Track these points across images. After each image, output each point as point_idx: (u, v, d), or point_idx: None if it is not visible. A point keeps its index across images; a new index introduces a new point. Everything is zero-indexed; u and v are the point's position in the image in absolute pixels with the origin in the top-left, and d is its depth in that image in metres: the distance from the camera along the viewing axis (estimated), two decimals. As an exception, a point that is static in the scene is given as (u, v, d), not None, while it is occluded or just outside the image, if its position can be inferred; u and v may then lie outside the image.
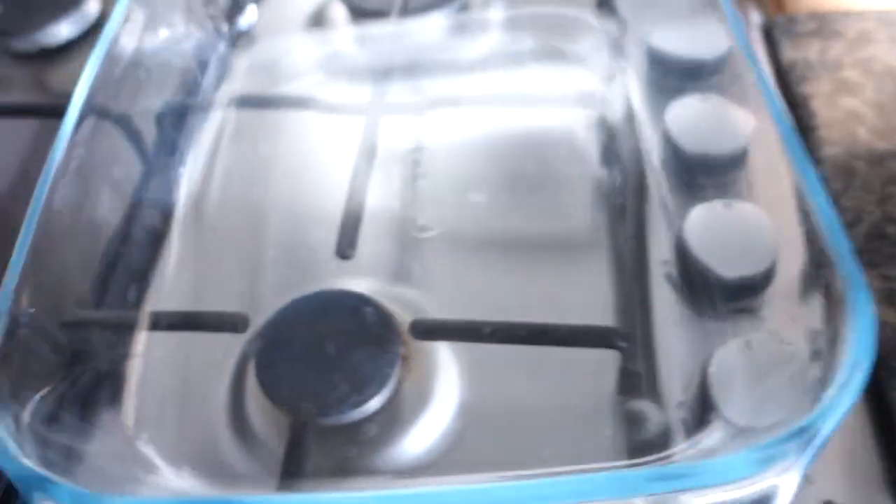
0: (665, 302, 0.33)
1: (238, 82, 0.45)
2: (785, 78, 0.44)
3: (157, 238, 0.36)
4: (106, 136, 0.34)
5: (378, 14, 0.47)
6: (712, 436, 0.25)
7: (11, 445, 0.21)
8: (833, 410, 0.20)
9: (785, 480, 0.21)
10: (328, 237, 0.36)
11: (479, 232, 0.36)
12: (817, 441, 0.21)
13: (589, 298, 0.34)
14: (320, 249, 0.36)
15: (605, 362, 0.30)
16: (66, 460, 0.24)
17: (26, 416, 0.23)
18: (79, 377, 0.28)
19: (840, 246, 0.24)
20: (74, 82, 0.33)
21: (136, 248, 0.34)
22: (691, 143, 0.36)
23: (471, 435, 0.29)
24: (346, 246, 0.35)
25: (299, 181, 0.39)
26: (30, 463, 0.21)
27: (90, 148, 0.32)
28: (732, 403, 0.26)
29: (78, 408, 0.27)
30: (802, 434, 0.20)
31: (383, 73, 0.44)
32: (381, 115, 0.41)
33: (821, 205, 0.26)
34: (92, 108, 0.33)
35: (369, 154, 0.39)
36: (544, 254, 0.36)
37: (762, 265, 0.30)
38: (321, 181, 0.39)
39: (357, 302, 0.32)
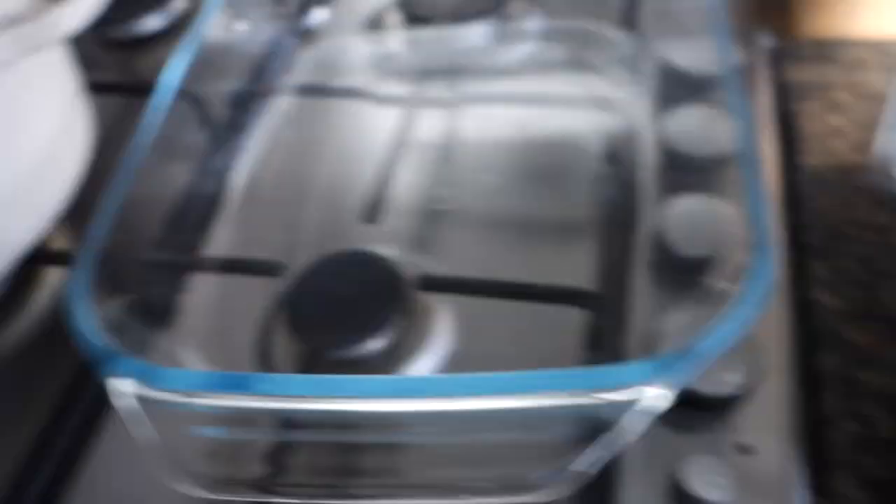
0: (638, 277, 0.38)
1: (301, 74, 0.52)
2: (783, 95, 0.49)
3: (217, 201, 0.43)
4: (185, 112, 0.41)
5: (429, 20, 0.54)
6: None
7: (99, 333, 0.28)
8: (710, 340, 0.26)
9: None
10: (359, 205, 0.43)
11: (489, 211, 0.42)
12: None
13: (574, 270, 0.39)
14: (351, 215, 0.42)
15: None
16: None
17: (108, 318, 0.30)
18: (145, 299, 0.35)
19: (762, 235, 0.29)
20: (158, 67, 0.40)
21: (200, 207, 0.42)
22: (682, 145, 0.41)
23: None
24: (372, 212, 0.42)
25: (343, 159, 0.46)
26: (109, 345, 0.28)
27: (172, 122, 0.38)
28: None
29: (140, 322, 0.34)
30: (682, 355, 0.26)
31: (427, 73, 0.51)
32: (419, 108, 0.48)
33: (755, 200, 0.31)
34: (179, 89, 0.39)
35: (404, 139, 0.46)
36: (543, 234, 0.42)
37: (712, 248, 0.35)
38: (360, 160, 0.46)
39: (375, 260, 0.38)
